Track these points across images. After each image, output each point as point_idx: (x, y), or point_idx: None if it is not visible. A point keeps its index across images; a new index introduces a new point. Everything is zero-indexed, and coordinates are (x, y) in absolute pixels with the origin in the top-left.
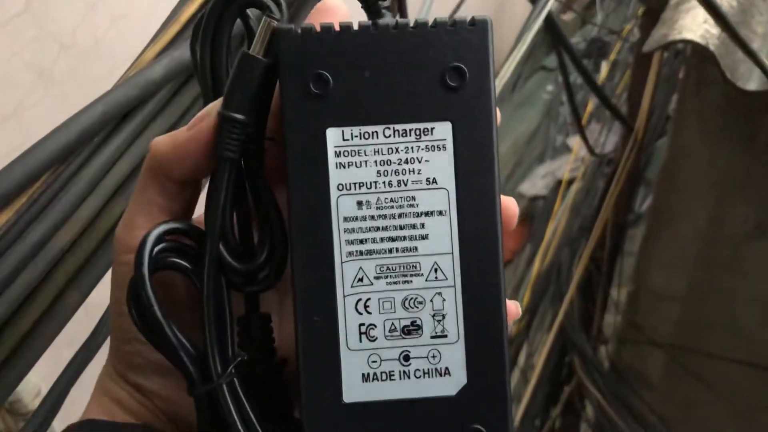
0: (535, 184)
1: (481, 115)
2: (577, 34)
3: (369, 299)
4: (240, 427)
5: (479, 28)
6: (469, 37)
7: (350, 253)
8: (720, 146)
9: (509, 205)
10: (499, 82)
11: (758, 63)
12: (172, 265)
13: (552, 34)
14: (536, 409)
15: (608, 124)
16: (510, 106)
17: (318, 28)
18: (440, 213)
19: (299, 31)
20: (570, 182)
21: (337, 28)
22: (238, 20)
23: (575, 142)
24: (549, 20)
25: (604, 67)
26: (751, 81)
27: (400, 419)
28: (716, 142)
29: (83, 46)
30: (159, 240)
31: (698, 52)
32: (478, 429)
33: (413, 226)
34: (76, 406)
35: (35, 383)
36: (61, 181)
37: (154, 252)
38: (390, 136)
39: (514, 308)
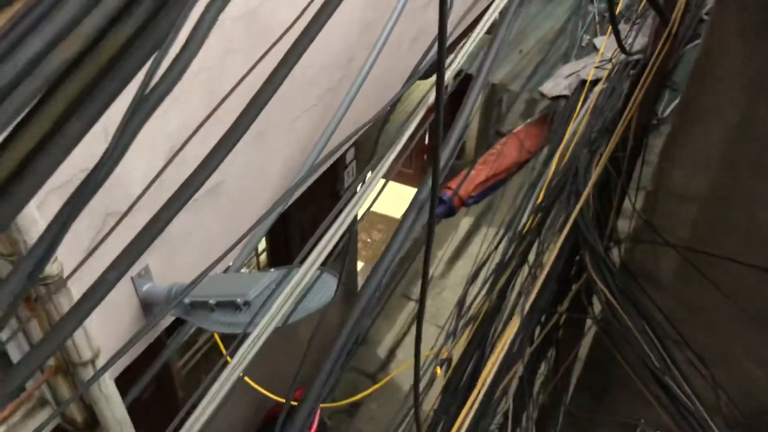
0: (558, 83)
1: None
2: None
3: None
4: None
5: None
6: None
7: None
8: (758, 43)
9: None
10: None
11: None
12: None
13: None
14: (543, 304)
15: (638, 24)
16: (538, 1)
17: None
18: None
19: None
20: (594, 83)
21: None
22: None
23: (602, 42)
24: None
25: None
26: None
27: None
28: (755, 39)
29: None
30: None
31: None
32: None
33: None
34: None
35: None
36: None
37: None
38: None
39: None
